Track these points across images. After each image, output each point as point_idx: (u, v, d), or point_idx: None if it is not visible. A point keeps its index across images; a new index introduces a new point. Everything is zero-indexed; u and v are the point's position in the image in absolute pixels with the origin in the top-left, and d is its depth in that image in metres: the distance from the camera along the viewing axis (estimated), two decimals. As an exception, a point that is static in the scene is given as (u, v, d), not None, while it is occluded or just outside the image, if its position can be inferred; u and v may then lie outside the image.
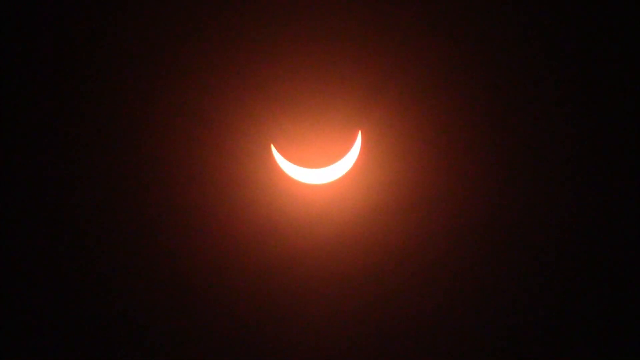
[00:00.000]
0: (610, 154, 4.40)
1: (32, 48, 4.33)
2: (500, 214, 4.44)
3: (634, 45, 4.34)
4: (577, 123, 4.38)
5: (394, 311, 4.51)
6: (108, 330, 4.48)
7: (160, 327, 4.50)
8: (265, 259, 4.48)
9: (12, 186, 4.40)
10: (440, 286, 4.48)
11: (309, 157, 4.30)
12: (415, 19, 4.29)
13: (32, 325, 4.46)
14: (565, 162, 4.41)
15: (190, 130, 4.36)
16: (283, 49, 4.30)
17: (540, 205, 4.43)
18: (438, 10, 4.29)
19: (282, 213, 4.45)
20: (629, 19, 4.33)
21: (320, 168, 4.33)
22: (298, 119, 4.31)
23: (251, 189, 4.42)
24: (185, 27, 4.30)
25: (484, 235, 4.46)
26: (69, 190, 4.41)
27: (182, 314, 4.50)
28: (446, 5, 4.29)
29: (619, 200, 4.42)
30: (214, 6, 4.28)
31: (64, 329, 4.47)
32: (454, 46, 4.32)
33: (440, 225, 4.44)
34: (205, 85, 4.33)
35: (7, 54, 4.33)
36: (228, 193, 4.42)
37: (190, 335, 4.51)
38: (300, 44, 4.30)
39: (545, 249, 4.46)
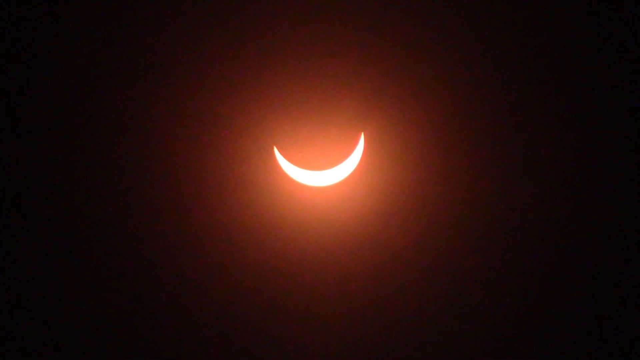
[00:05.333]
0: (613, 156, 4.40)
1: (33, 48, 4.33)
2: (504, 216, 4.43)
3: (634, 45, 4.34)
4: (581, 126, 4.38)
5: (397, 313, 4.51)
6: (109, 332, 4.48)
7: (160, 329, 4.49)
8: (268, 262, 4.47)
9: (13, 186, 4.40)
10: (444, 288, 4.48)
11: (311, 159, 4.30)
12: (418, 21, 4.29)
13: (31, 325, 4.46)
14: (570, 164, 4.41)
15: (192, 132, 4.36)
16: (285, 51, 4.30)
17: (544, 208, 4.42)
18: (441, 12, 4.28)
19: (285, 215, 4.44)
20: (629, 19, 4.32)
21: (322, 170, 4.33)
22: (300, 121, 4.31)
23: (253, 191, 4.41)
24: (188, 28, 4.30)
25: (488, 237, 4.45)
26: (71, 192, 4.41)
27: (183, 316, 4.49)
28: (449, 7, 4.29)
29: (621, 202, 4.42)
30: (217, 7, 4.28)
31: (67, 329, 4.47)
32: (457, 48, 4.32)
33: (443, 227, 4.43)
34: (208, 87, 4.33)
35: (8, 54, 4.33)
36: (230, 195, 4.41)
37: (191, 337, 4.50)
38: (302, 45, 4.29)
39: (548, 251, 4.46)
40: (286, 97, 4.33)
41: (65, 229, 4.43)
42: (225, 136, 4.36)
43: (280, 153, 4.34)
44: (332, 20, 4.29)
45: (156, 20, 4.30)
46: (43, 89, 4.35)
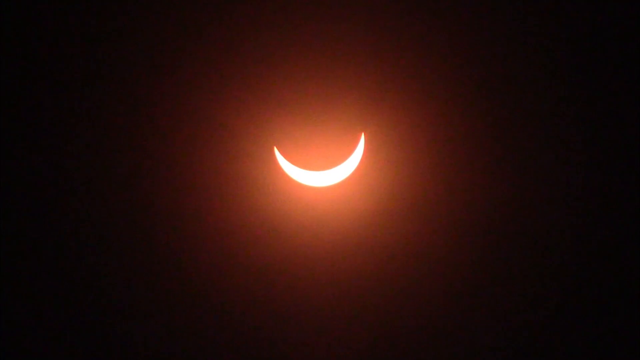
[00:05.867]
0: (614, 157, 4.40)
1: (34, 49, 4.32)
2: (504, 218, 4.44)
3: (634, 45, 4.34)
4: (581, 127, 4.38)
5: (397, 313, 4.51)
6: (110, 333, 4.48)
7: (160, 329, 4.49)
8: (268, 262, 4.48)
9: (14, 187, 4.39)
10: (444, 289, 4.48)
11: (312, 159, 4.30)
12: (419, 22, 4.28)
13: (31, 325, 4.47)
14: (570, 165, 4.41)
15: (193, 132, 4.35)
16: (286, 51, 4.29)
17: (545, 209, 4.43)
18: (441, 13, 4.28)
19: (285, 215, 4.44)
20: (629, 19, 4.33)
21: (323, 170, 4.33)
22: (301, 121, 4.30)
23: (254, 192, 4.41)
24: (188, 29, 4.29)
25: (488, 238, 4.45)
26: (71, 193, 4.40)
27: (183, 317, 4.49)
28: (449, 8, 4.28)
29: (623, 204, 4.43)
30: (217, 8, 4.27)
31: (69, 330, 4.48)
32: (458, 49, 4.32)
33: (443, 228, 4.44)
34: (208, 88, 4.32)
35: (8, 54, 4.32)
36: (230, 195, 4.41)
37: (191, 338, 4.51)
38: (303, 46, 4.29)
39: (548, 253, 4.46)
40: (286, 97, 4.32)
41: (65, 229, 4.42)
42: (226, 136, 4.36)
43: (280, 153, 4.33)
44: (333, 20, 4.28)
45: (155, 20, 4.29)
46: (42, 89, 4.34)
